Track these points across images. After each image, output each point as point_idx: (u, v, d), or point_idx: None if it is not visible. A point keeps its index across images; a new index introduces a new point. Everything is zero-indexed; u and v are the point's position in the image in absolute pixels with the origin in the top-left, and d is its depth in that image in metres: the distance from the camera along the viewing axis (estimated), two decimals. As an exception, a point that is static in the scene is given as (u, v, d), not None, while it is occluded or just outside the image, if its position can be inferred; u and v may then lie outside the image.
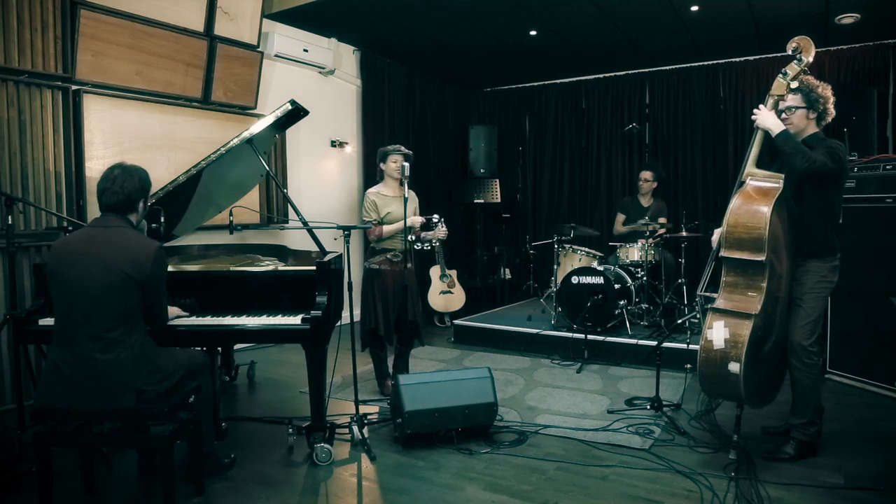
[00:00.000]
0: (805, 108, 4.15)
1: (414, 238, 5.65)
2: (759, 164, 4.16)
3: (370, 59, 9.19)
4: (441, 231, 5.67)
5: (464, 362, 6.89)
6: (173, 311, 3.96)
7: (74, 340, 3.24)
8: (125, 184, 3.43)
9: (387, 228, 5.41)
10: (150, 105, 6.40)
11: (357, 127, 9.20)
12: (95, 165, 5.89)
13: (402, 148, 5.52)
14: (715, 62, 9.27)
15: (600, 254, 7.88)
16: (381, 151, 5.57)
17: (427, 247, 5.64)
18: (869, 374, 5.66)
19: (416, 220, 5.50)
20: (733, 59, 9.13)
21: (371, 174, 8.82)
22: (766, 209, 3.92)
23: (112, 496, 3.85)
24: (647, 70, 9.82)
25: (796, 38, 4.09)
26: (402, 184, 5.12)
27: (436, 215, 5.62)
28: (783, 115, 4.18)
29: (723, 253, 4.06)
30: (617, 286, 7.00)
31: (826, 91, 4.16)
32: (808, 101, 4.14)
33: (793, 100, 4.17)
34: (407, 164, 5.14)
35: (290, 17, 7.74)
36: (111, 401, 3.23)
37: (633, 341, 6.74)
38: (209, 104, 6.94)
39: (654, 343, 5.93)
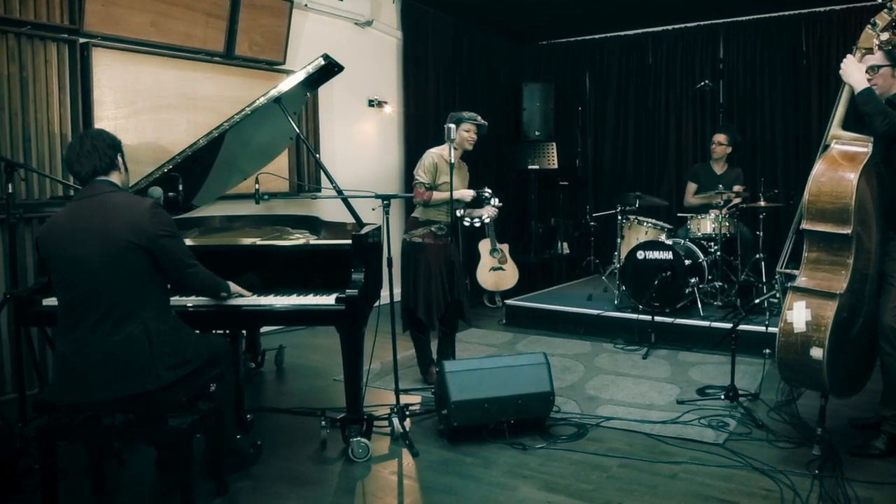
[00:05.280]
0: (889, 66, 4.12)
1: (461, 213, 5.61)
2: (846, 126, 4.10)
3: (412, 8, 9.09)
4: (491, 209, 5.65)
5: (517, 347, 6.89)
6: (235, 288, 3.96)
7: (82, 323, 3.24)
8: (94, 142, 3.44)
9: (437, 195, 5.40)
10: (167, 60, 6.36)
11: (397, 84, 9.14)
12: (106, 127, 5.78)
13: (479, 118, 5.54)
14: (797, 12, 9.00)
15: (669, 226, 7.82)
16: (453, 115, 5.54)
17: (477, 223, 5.59)
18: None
19: (466, 193, 5.49)
20: (817, 9, 8.86)
21: (413, 137, 8.83)
22: (852, 176, 3.87)
23: (124, 497, 3.88)
24: (720, 21, 9.61)
25: None
26: (450, 150, 5.04)
27: (487, 189, 5.60)
28: (867, 76, 4.14)
29: (804, 225, 4.02)
30: (687, 262, 6.92)
31: None
32: (893, 59, 4.10)
33: (875, 59, 4.14)
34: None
35: (324, -39, 7.67)
36: (131, 385, 3.23)
37: (706, 323, 6.69)
38: (232, 59, 6.90)
39: (728, 325, 5.90)
